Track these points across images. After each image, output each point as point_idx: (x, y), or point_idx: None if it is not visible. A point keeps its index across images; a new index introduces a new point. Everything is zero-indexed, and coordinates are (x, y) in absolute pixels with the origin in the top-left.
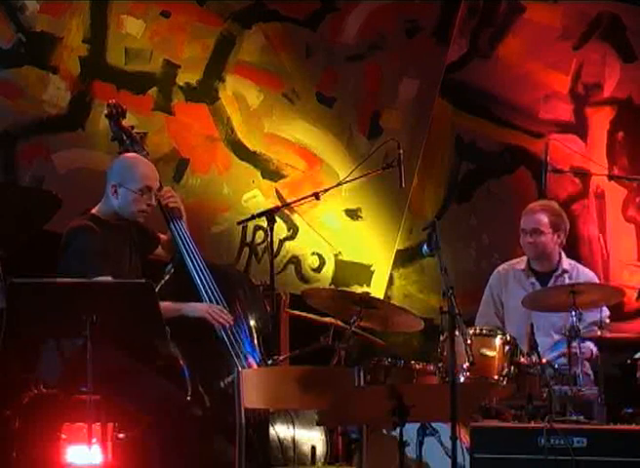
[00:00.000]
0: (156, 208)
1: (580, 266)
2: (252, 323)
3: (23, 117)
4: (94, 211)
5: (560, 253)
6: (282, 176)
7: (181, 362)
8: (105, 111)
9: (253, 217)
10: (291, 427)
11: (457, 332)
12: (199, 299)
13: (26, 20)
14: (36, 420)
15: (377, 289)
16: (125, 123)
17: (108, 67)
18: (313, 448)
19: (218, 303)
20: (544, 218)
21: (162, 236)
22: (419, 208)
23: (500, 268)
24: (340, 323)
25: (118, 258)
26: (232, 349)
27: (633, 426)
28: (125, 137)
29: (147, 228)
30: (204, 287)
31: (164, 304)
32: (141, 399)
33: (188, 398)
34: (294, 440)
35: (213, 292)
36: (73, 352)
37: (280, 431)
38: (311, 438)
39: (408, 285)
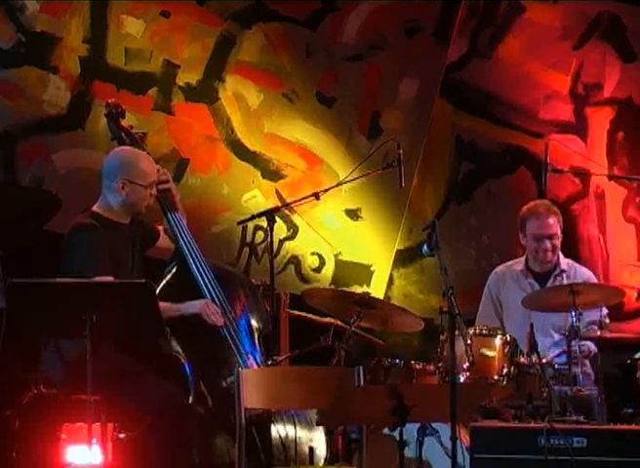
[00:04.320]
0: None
1: (578, 266)
2: (252, 323)
3: (23, 117)
4: (95, 208)
5: (557, 253)
6: (282, 176)
7: (184, 361)
8: (105, 111)
9: (253, 217)
10: (291, 427)
11: (457, 332)
12: (201, 298)
13: (26, 20)
14: (36, 420)
15: (377, 289)
16: (124, 122)
17: (108, 67)
18: (311, 448)
19: (220, 302)
20: (555, 221)
21: (160, 227)
22: (419, 208)
23: (498, 269)
24: (339, 323)
25: (121, 256)
26: (234, 348)
27: (633, 426)
28: (124, 137)
29: (145, 222)
30: (206, 286)
31: (163, 305)
32: (142, 399)
33: (191, 398)
34: (295, 439)
35: (215, 291)
36: (75, 352)
37: (281, 431)
38: (312, 438)
39: (408, 285)
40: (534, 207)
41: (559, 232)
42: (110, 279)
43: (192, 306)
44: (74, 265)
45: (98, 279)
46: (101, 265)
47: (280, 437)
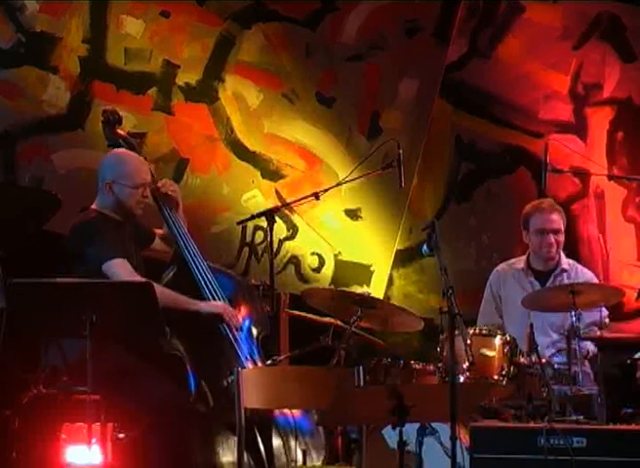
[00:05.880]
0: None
1: (579, 266)
2: (252, 324)
3: (23, 117)
4: (95, 207)
5: (559, 253)
6: (282, 176)
7: (185, 360)
8: (101, 118)
9: (252, 217)
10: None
11: (456, 332)
12: (202, 299)
13: (26, 20)
14: (36, 420)
15: (376, 289)
16: (121, 129)
17: (108, 67)
18: (304, 451)
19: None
20: (559, 217)
21: (158, 231)
22: (418, 208)
23: (499, 268)
24: (339, 323)
25: (127, 251)
26: (235, 349)
27: (633, 426)
28: (122, 143)
29: (142, 224)
30: (207, 288)
31: (179, 297)
32: (142, 399)
33: (192, 397)
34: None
35: (216, 292)
36: (76, 353)
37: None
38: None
39: (408, 285)
40: (537, 204)
41: (562, 229)
42: (126, 264)
43: (213, 306)
44: (92, 255)
45: (119, 268)
46: (118, 249)
47: (282, 441)
